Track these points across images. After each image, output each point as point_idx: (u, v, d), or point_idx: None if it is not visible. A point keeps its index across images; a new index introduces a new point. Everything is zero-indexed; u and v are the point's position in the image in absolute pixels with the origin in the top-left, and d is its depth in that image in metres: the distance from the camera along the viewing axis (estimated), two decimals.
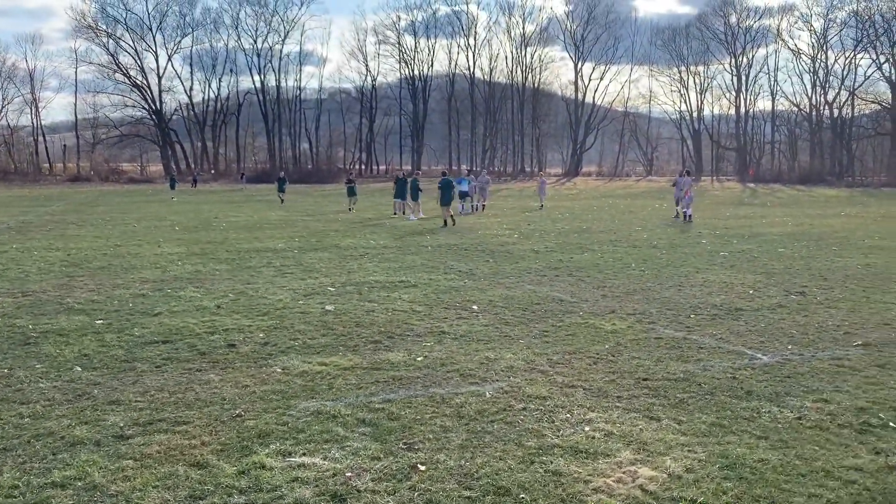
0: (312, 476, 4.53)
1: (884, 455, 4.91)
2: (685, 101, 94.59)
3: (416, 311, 9.79)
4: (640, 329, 8.85)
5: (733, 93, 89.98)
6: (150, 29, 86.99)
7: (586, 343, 8.07)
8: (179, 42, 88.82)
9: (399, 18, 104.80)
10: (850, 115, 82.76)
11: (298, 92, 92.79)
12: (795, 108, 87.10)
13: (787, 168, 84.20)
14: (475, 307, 10.14)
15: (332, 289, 11.58)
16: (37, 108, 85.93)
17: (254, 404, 5.87)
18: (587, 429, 5.37)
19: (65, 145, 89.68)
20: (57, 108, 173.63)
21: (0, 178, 75.86)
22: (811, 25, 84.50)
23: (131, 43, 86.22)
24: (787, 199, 48.10)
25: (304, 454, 4.86)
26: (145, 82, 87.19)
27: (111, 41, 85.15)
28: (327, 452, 4.89)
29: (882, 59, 77.60)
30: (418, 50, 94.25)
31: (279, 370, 6.87)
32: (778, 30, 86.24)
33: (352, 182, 34.39)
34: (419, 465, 4.66)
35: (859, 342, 8.18)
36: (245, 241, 19.01)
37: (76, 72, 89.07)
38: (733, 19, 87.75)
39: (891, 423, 5.52)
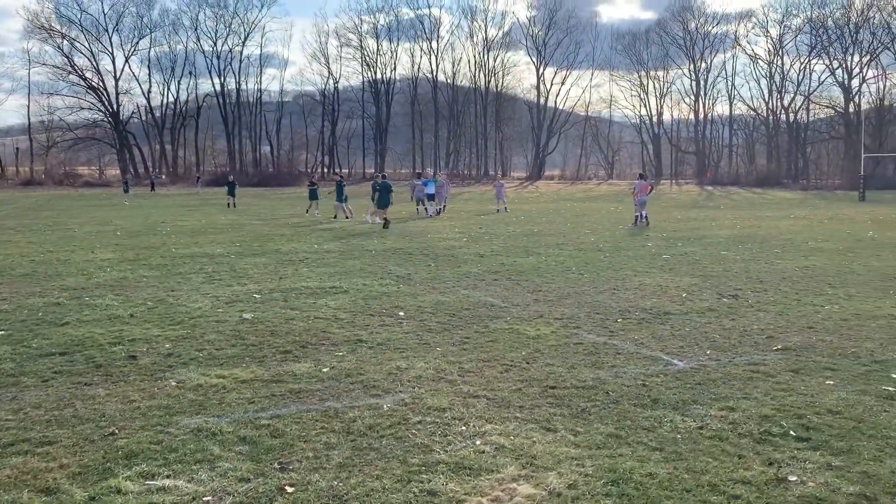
0: (169, 501, 4.23)
1: (776, 466, 4.75)
2: (645, 106, 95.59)
3: (339, 319, 9.50)
4: (563, 334, 8.66)
5: (692, 97, 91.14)
6: (107, 30, 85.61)
7: (504, 350, 7.86)
8: (137, 43, 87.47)
9: (361, 21, 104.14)
10: (805, 119, 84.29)
11: (259, 95, 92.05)
12: (753, 113, 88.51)
13: (744, 171, 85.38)
14: (401, 313, 9.88)
15: (258, 296, 11.23)
16: None
17: (133, 421, 5.54)
18: (479, 442, 5.14)
19: (17, 148, 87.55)
20: (8, 110, 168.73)
21: None
22: (767, 31, 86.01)
23: (87, 44, 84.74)
24: (742, 201, 48.67)
25: (168, 476, 4.55)
26: (101, 84, 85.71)
27: (66, 42, 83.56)
28: (194, 474, 4.59)
29: (835, 64, 79.15)
30: (381, 53, 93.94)
31: (174, 384, 6.54)
32: (736, 35, 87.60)
33: (314, 185, 33.50)
34: (287, 487, 4.38)
35: (780, 346, 8.08)
36: (184, 245, 18.54)
37: (29, 73, 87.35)
38: (692, 25, 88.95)
39: (791, 432, 5.37)
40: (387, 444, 5.10)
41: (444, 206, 32.52)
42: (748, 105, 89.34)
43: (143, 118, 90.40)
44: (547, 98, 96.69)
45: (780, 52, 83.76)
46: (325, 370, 6.99)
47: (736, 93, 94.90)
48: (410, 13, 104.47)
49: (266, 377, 6.77)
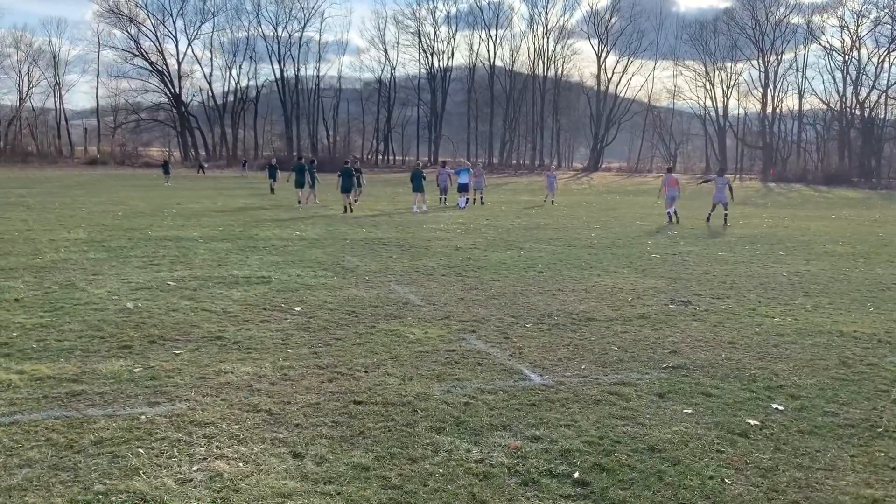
0: None
1: None
2: (711, 97, 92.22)
3: (226, 313, 8.94)
4: (447, 339, 7.89)
5: (760, 89, 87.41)
6: (171, 14, 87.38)
7: (360, 355, 7.14)
8: (199, 27, 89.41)
9: (420, 7, 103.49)
10: (881, 115, 79.81)
11: (317, 80, 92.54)
12: (825, 106, 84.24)
13: (812, 168, 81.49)
14: (298, 309, 9.26)
15: (171, 283, 10.78)
16: (60, 91, 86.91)
17: None
18: (195, 469, 4.47)
19: (85, 129, 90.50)
20: (79, 92, 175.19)
21: (21, 159, 76.93)
22: (845, 22, 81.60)
23: (152, 28, 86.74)
24: (797, 199, 46.28)
25: None
26: (165, 67, 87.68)
27: (133, 25, 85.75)
28: None
29: None
30: (439, 40, 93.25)
31: None
32: (809, 26, 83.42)
33: (359, 171, 30.71)
34: None
35: (672, 364, 7.13)
36: (165, 228, 18.34)
37: (98, 56, 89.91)
38: (762, 14, 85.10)
39: (576, 475, 4.52)
40: (92, 464, 4.48)
41: (482, 196, 31.22)
42: (820, 99, 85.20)
43: (206, 102, 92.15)
44: (607, 87, 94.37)
45: (858, 45, 79.48)
46: (136, 370, 6.42)
47: (808, 85, 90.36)
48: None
49: (68, 375, 6.23)
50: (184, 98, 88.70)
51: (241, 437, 4.99)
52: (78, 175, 54.95)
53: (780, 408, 5.93)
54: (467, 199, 30.00)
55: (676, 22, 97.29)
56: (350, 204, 25.25)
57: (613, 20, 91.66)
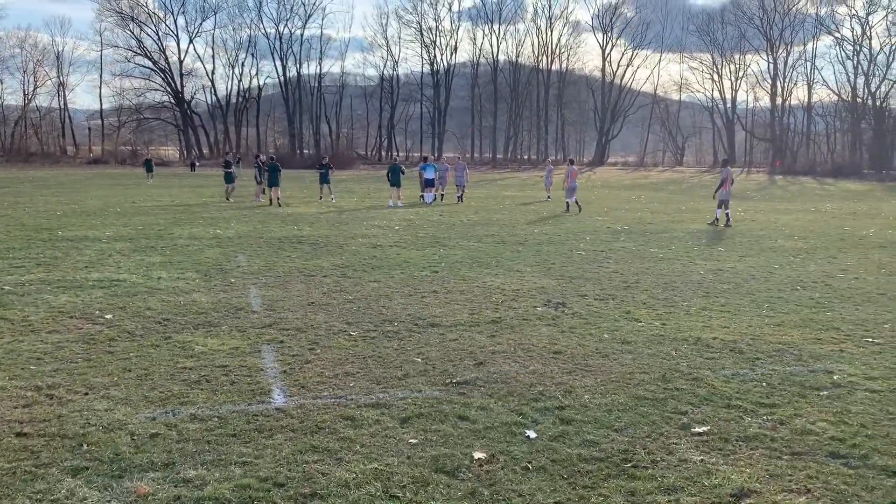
0: None
1: None
2: (718, 89, 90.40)
3: (26, 322, 8.16)
4: (240, 352, 7.05)
5: (769, 81, 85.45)
6: (172, 11, 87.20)
7: (103, 374, 6.31)
8: (200, 25, 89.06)
9: (422, 2, 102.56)
10: (893, 105, 77.63)
11: (319, 77, 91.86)
12: (836, 97, 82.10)
13: (822, 160, 79.50)
14: (109, 316, 8.46)
15: (7, 287, 10.03)
16: (64, 90, 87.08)
17: None
18: None
19: (89, 128, 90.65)
20: (81, 92, 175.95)
21: (23, 159, 77.17)
22: (854, 10, 79.46)
23: (153, 26, 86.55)
24: (794, 192, 44.81)
25: None
26: (167, 66, 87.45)
27: (134, 24, 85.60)
28: None
29: None
30: (441, 34, 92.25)
31: None
32: (818, 15, 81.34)
33: (326, 167, 29.81)
34: None
35: (462, 379, 6.24)
36: (83, 228, 17.64)
37: (101, 55, 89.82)
38: (770, 3, 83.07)
39: None
40: None
41: (463, 192, 30.15)
42: (831, 89, 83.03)
43: (208, 100, 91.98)
44: (612, 80, 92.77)
45: (869, 34, 77.33)
46: None
47: (818, 75, 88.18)
48: None
49: None
50: (186, 96, 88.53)
51: None
52: (70, 174, 54.67)
53: (533, 436, 5.02)
54: (434, 195, 29.08)
55: (683, 12, 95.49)
56: (278, 198, 25.99)
57: (619, 11, 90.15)
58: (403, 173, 28.20)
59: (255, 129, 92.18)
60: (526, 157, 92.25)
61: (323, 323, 8.35)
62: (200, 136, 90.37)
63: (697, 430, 5.18)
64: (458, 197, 29.25)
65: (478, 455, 4.67)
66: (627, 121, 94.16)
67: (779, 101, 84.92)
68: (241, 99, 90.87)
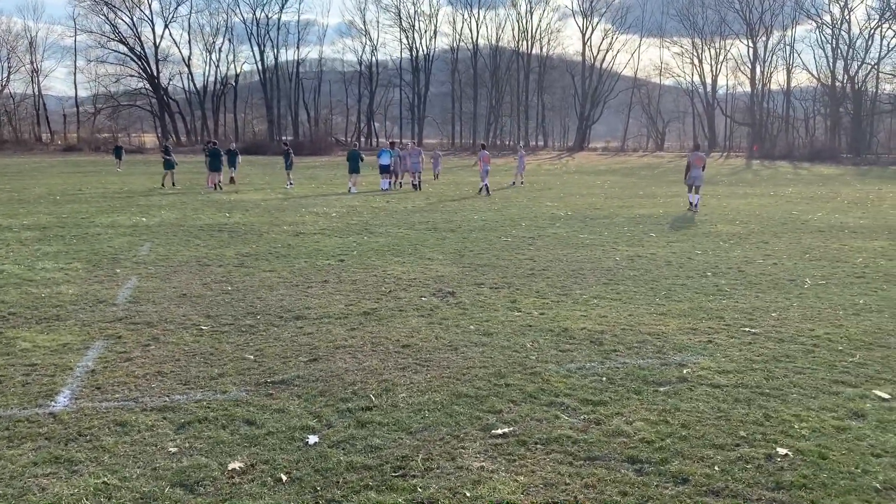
0: None
1: None
2: (699, 74, 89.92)
3: None
4: (66, 349, 6.62)
5: (749, 65, 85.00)
6: None
7: None
8: (175, 10, 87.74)
9: None
10: (872, 90, 77.35)
11: (297, 62, 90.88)
12: (815, 81, 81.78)
13: (800, 144, 79.24)
14: None
15: None
16: (38, 77, 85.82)
17: None
18: None
19: (64, 115, 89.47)
20: (58, 78, 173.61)
21: None
22: None
23: (128, 11, 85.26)
24: (767, 176, 44.46)
25: None
26: (143, 51, 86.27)
27: (108, 9, 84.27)
28: None
29: None
30: (420, 18, 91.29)
31: None
32: None
33: (286, 153, 29.85)
34: None
35: (281, 378, 5.82)
36: (13, 216, 17.13)
37: (75, 41, 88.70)
38: None
39: None
40: None
41: (437, 174, 29.54)
42: (810, 73, 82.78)
43: (186, 87, 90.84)
44: (592, 65, 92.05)
45: (848, 18, 76.89)
46: None
47: (797, 58, 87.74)
48: None
49: None
50: (163, 82, 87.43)
51: None
52: (37, 162, 53.76)
53: (315, 440, 4.62)
54: (390, 181, 28.56)
55: None
56: (218, 182, 26.87)
57: None
58: (363, 160, 28.02)
59: (232, 116, 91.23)
60: (508, 142, 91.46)
61: (180, 316, 7.91)
62: (178, 122, 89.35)
63: (499, 431, 4.79)
64: (413, 184, 28.67)
65: (233, 465, 4.25)
66: (611, 105, 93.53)
67: (758, 85, 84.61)
68: (218, 85, 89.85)
